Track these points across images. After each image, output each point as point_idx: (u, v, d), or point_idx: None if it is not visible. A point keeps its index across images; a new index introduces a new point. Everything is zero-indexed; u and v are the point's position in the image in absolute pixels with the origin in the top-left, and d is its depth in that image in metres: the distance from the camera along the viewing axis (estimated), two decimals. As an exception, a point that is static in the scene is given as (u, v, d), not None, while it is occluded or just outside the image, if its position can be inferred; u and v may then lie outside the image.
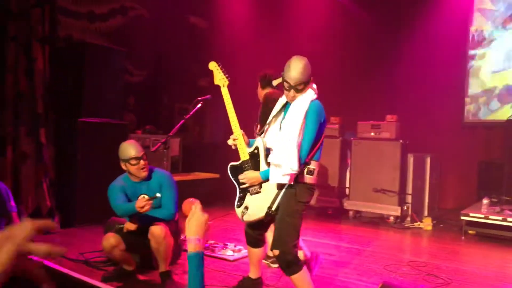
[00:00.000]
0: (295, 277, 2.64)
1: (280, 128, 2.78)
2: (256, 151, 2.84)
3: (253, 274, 3.16)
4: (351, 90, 7.48)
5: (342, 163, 6.43)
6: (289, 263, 2.61)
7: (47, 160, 4.82)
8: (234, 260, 3.87)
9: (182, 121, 3.99)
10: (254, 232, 2.98)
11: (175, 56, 7.58)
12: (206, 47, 7.84)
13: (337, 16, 7.67)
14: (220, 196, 6.59)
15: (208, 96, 4.08)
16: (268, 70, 4.18)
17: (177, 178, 6.20)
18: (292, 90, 2.66)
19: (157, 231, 3.08)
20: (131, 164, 3.31)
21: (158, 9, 7.36)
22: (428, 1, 7.20)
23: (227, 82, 2.95)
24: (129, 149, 3.33)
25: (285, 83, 2.68)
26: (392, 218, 5.90)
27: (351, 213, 6.26)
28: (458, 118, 7.21)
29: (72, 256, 3.72)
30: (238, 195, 2.88)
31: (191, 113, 4.07)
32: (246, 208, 2.81)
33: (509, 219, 4.97)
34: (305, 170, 2.67)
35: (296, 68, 2.63)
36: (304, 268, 2.67)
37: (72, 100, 5.11)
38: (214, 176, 6.93)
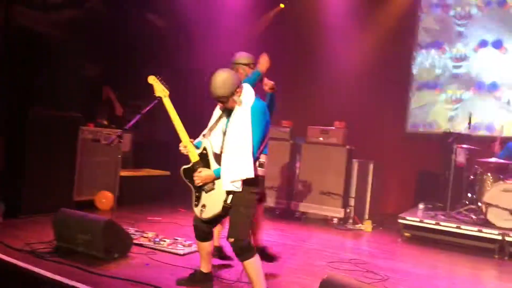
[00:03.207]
0: (248, 263, 2.85)
1: (224, 133, 2.97)
2: (204, 151, 2.99)
3: (204, 268, 3.26)
4: (303, 95, 7.76)
5: (291, 165, 6.66)
6: (243, 249, 2.83)
7: (-5, 150, 4.67)
8: (184, 254, 3.94)
9: (139, 116, 4.02)
10: (205, 226, 3.07)
11: (130, 52, 7.50)
12: (162, 45, 7.82)
13: (292, 23, 7.93)
14: (170, 193, 6.64)
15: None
16: None
17: (128, 173, 6.21)
18: (218, 103, 2.95)
19: None
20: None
21: (114, 2, 7.25)
22: (376, 22, 7.65)
23: (167, 93, 3.10)
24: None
25: None
26: (335, 220, 6.19)
27: (297, 213, 6.49)
28: (401, 128, 7.70)
29: (18, 246, 3.65)
30: (194, 195, 3.02)
31: (148, 108, 4.11)
32: (204, 206, 2.96)
33: (441, 223, 5.39)
34: (257, 164, 2.96)
35: (215, 83, 2.83)
36: (257, 255, 2.88)
37: (25, 92, 4.99)
38: (164, 173, 6.94)
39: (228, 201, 2.85)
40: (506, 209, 5.19)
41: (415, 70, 7.74)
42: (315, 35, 7.95)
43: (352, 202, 6.35)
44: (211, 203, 2.92)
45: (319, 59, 7.82)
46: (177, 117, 3.04)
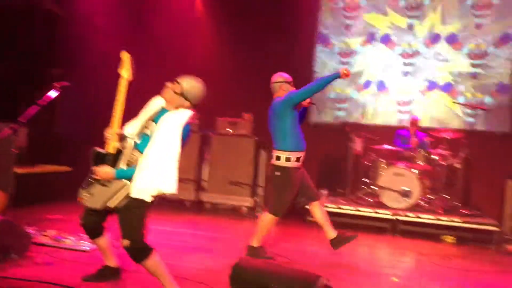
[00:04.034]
0: (147, 262, 2.77)
1: (149, 136, 2.86)
2: (122, 150, 2.87)
3: (110, 263, 3.18)
4: (211, 87, 7.76)
5: (200, 157, 6.67)
6: (139, 251, 2.74)
7: None
8: (89, 251, 3.79)
9: (37, 107, 3.78)
10: (92, 222, 2.98)
11: (26, 42, 6.97)
12: (60, 36, 7.36)
13: (205, 14, 7.91)
14: (72, 190, 6.26)
15: (66, 83, 3.94)
16: None
17: (24, 171, 5.76)
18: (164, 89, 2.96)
19: None
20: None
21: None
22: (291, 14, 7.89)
23: (129, 77, 2.93)
24: None
25: None
26: (245, 209, 6.34)
27: (207, 205, 6.53)
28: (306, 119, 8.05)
29: None
30: (88, 178, 2.87)
31: (47, 99, 3.88)
32: (90, 193, 2.83)
33: (342, 206, 5.78)
34: None
35: (190, 77, 3.08)
36: (154, 252, 2.79)
37: None
38: (64, 169, 6.56)
39: (112, 204, 2.75)
40: (396, 191, 5.71)
41: (316, 63, 8.11)
42: (224, 27, 7.99)
43: (260, 191, 6.54)
44: (97, 197, 2.80)
45: (227, 52, 7.89)
46: (122, 103, 2.87)
